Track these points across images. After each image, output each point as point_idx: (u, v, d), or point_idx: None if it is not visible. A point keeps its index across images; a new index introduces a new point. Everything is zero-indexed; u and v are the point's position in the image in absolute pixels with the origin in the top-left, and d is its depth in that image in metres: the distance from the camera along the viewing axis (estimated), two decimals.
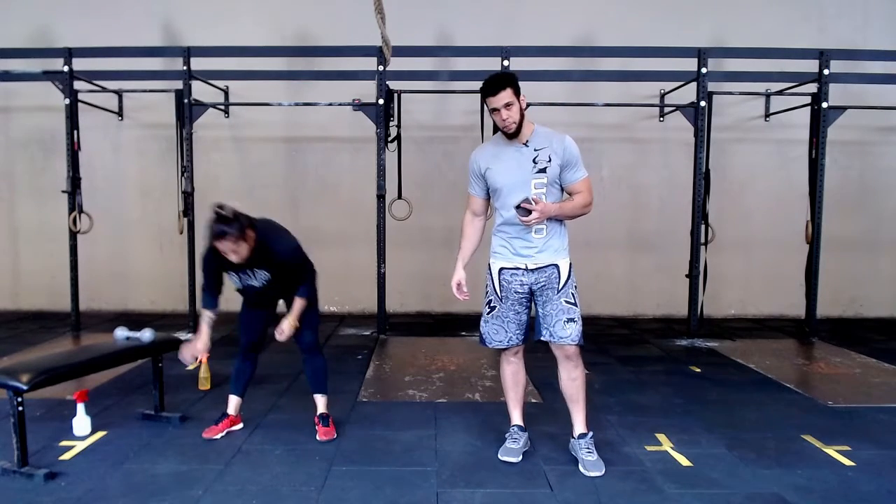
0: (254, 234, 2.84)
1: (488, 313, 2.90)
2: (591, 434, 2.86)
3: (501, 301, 2.84)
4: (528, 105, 5.13)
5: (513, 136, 2.71)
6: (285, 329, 3.01)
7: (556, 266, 2.75)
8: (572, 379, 2.84)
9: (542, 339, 2.82)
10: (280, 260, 2.98)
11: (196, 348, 3.07)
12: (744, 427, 3.36)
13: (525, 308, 2.85)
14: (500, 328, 2.87)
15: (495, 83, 2.66)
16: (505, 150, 2.76)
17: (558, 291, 2.75)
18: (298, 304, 3.05)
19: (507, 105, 2.63)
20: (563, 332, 2.74)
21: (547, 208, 2.65)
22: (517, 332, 2.87)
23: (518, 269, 2.77)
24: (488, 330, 2.91)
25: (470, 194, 2.93)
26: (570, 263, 2.80)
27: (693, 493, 2.61)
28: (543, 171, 2.69)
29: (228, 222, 2.73)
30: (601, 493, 2.60)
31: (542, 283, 2.76)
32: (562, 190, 2.78)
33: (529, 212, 2.61)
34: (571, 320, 2.75)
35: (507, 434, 3.00)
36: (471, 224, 2.97)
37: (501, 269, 2.82)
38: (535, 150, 2.70)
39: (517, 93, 2.66)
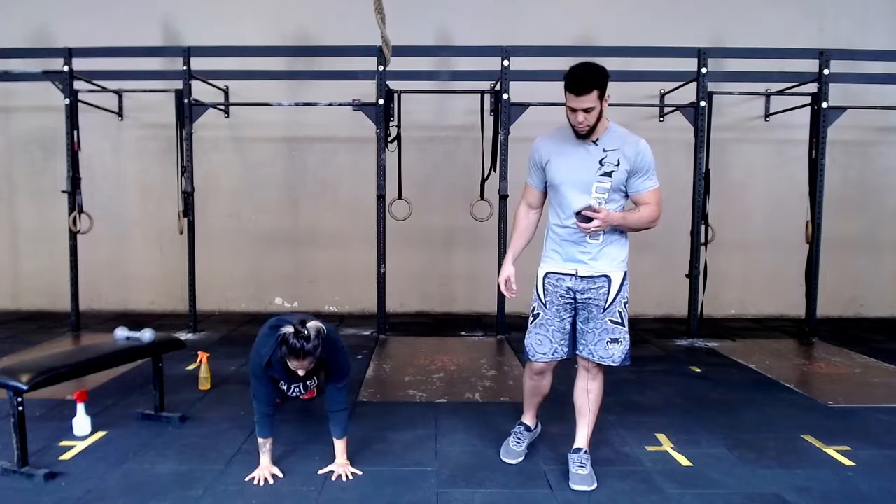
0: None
1: (532, 322, 2.72)
2: (585, 451, 2.72)
3: (545, 307, 2.66)
4: (529, 105, 5.21)
5: (584, 137, 2.51)
6: (347, 475, 2.74)
7: (608, 278, 2.55)
8: (587, 391, 2.70)
9: (577, 354, 2.67)
10: (336, 372, 2.78)
11: (269, 472, 2.74)
12: (744, 427, 3.36)
13: (570, 315, 2.65)
14: (545, 338, 2.67)
15: (583, 82, 2.38)
16: (572, 144, 2.54)
17: (604, 310, 2.56)
18: (341, 445, 2.78)
19: (587, 110, 2.40)
20: (605, 353, 2.59)
21: (610, 217, 2.44)
22: (562, 341, 2.66)
23: (567, 274, 2.59)
24: (532, 341, 2.71)
25: (527, 184, 2.74)
26: (626, 273, 2.59)
27: (693, 493, 2.61)
28: (609, 174, 2.47)
29: (312, 344, 2.49)
30: (601, 492, 2.60)
31: (588, 297, 2.57)
32: (626, 196, 2.56)
33: (590, 219, 2.43)
34: (615, 340, 2.57)
35: (513, 430, 2.95)
36: (525, 217, 2.78)
37: (548, 273, 2.65)
38: (605, 150, 2.48)
39: (602, 95, 2.41)
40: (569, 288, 2.61)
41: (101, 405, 3.53)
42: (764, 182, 6.68)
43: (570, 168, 2.54)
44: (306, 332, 2.46)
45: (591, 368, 2.67)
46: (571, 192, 2.53)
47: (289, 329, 2.47)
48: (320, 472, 2.75)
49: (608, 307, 2.57)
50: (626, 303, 2.61)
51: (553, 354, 2.68)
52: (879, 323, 6.52)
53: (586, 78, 2.40)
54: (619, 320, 2.58)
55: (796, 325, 6.11)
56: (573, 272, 2.59)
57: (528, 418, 2.99)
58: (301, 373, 2.59)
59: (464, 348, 5.15)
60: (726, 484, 2.70)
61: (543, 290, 2.66)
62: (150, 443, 3.08)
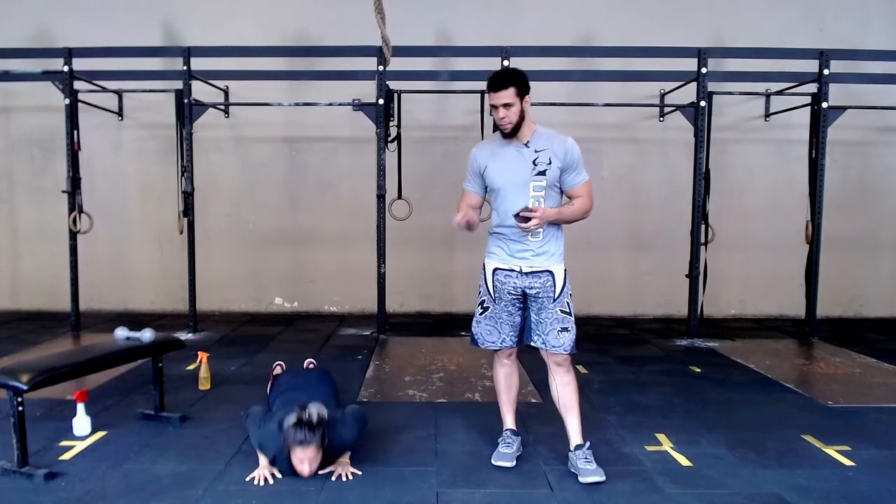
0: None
1: (481, 314, 2.87)
2: (588, 444, 2.76)
3: (495, 302, 2.81)
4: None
5: (510, 135, 2.66)
6: (347, 474, 2.73)
7: (551, 273, 2.70)
8: (564, 385, 2.78)
9: (532, 344, 2.78)
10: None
11: (268, 472, 2.73)
12: (744, 427, 3.36)
13: (518, 310, 2.80)
14: (494, 329, 2.84)
15: (499, 80, 2.61)
16: (505, 149, 2.71)
17: (554, 300, 2.70)
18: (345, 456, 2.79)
19: (507, 105, 2.59)
20: (557, 342, 2.71)
21: (546, 214, 2.61)
22: (511, 333, 2.82)
23: (513, 270, 2.73)
24: (481, 331, 2.88)
25: (465, 189, 2.87)
26: (565, 270, 2.74)
27: (693, 493, 2.61)
28: (543, 173, 2.64)
29: (313, 429, 2.51)
30: (601, 492, 2.60)
31: (537, 290, 2.71)
32: (561, 193, 2.73)
33: (528, 219, 2.57)
34: (565, 329, 2.70)
35: (500, 439, 2.96)
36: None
37: (496, 269, 2.78)
38: (536, 151, 2.66)
39: (521, 94, 2.60)
40: (515, 285, 2.75)
41: (101, 405, 3.52)
42: (764, 182, 6.68)
43: (507, 171, 2.70)
44: (308, 416, 2.49)
45: (562, 363, 2.76)
46: (511, 194, 2.68)
47: (292, 418, 2.51)
48: (320, 472, 2.75)
49: (558, 298, 2.71)
50: (570, 294, 2.75)
51: (501, 343, 2.86)
52: (879, 323, 6.52)
53: (502, 76, 2.65)
54: (568, 310, 2.74)
55: (796, 325, 6.11)
56: (517, 269, 2.73)
57: (510, 422, 2.98)
58: (305, 469, 2.55)
59: (464, 348, 5.14)
60: (726, 484, 2.70)
61: (493, 286, 2.80)
62: (150, 443, 3.08)
